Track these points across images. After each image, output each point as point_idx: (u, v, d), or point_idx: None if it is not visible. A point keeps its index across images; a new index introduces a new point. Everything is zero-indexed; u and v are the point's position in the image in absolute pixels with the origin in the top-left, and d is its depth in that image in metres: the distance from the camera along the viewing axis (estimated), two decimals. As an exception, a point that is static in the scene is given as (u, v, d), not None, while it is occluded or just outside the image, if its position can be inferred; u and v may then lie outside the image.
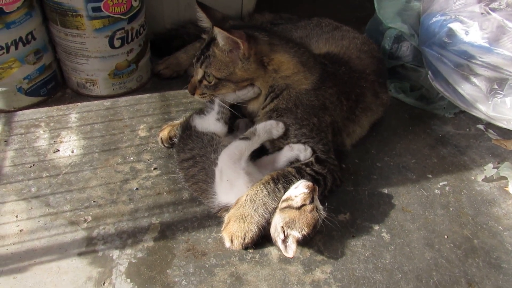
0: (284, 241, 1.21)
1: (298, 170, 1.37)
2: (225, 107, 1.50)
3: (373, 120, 1.71)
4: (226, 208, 1.33)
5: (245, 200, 1.29)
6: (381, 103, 1.71)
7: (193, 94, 1.53)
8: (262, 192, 1.30)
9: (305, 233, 1.21)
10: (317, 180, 1.38)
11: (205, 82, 1.48)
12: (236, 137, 1.42)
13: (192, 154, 1.43)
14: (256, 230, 1.26)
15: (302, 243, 1.25)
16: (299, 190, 1.26)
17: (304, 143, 1.43)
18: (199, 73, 1.49)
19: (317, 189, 1.28)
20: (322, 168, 1.41)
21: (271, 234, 1.26)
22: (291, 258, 1.24)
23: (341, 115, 1.54)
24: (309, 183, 1.27)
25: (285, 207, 1.25)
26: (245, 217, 1.27)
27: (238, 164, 1.33)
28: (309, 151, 1.41)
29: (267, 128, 1.41)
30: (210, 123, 1.50)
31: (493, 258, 1.32)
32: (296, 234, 1.20)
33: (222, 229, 1.30)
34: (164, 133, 1.61)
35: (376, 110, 1.69)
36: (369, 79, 1.65)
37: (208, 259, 1.27)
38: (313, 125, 1.44)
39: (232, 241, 1.26)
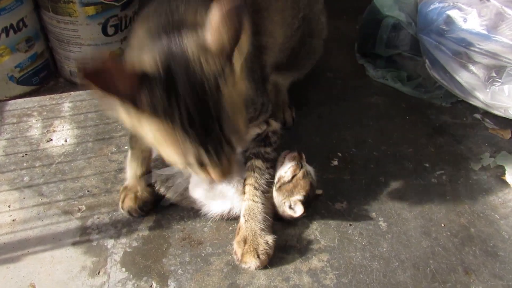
0: (290, 206, 1.26)
1: (263, 159, 1.30)
2: None
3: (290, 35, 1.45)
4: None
5: (245, 221, 1.25)
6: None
7: None
8: (258, 208, 1.26)
9: (305, 194, 1.26)
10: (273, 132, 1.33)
11: None
12: None
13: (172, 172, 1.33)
14: (271, 237, 1.24)
15: (305, 203, 1.25)
16: (286, 167, 1.30)
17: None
18: None
19: (303, 156, 1.31)
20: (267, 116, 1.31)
21: (278, 211, 1.30)
22: (299, 216, 1.26)
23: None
24: (293, 154, 1.31)
25: (280, 186, 1.28)
26: (255, 235, 1.22)
27: None
28: None
29: None
30: None
31: (490, 247, 1.32)
32: (298, 197, 1.25)
33: (238, 262, 1.21)
34: (129, 204, 1.30)
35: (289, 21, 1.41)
36: None
37: (204, 248, 1.26)
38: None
39: (259, 257, 1.20)
